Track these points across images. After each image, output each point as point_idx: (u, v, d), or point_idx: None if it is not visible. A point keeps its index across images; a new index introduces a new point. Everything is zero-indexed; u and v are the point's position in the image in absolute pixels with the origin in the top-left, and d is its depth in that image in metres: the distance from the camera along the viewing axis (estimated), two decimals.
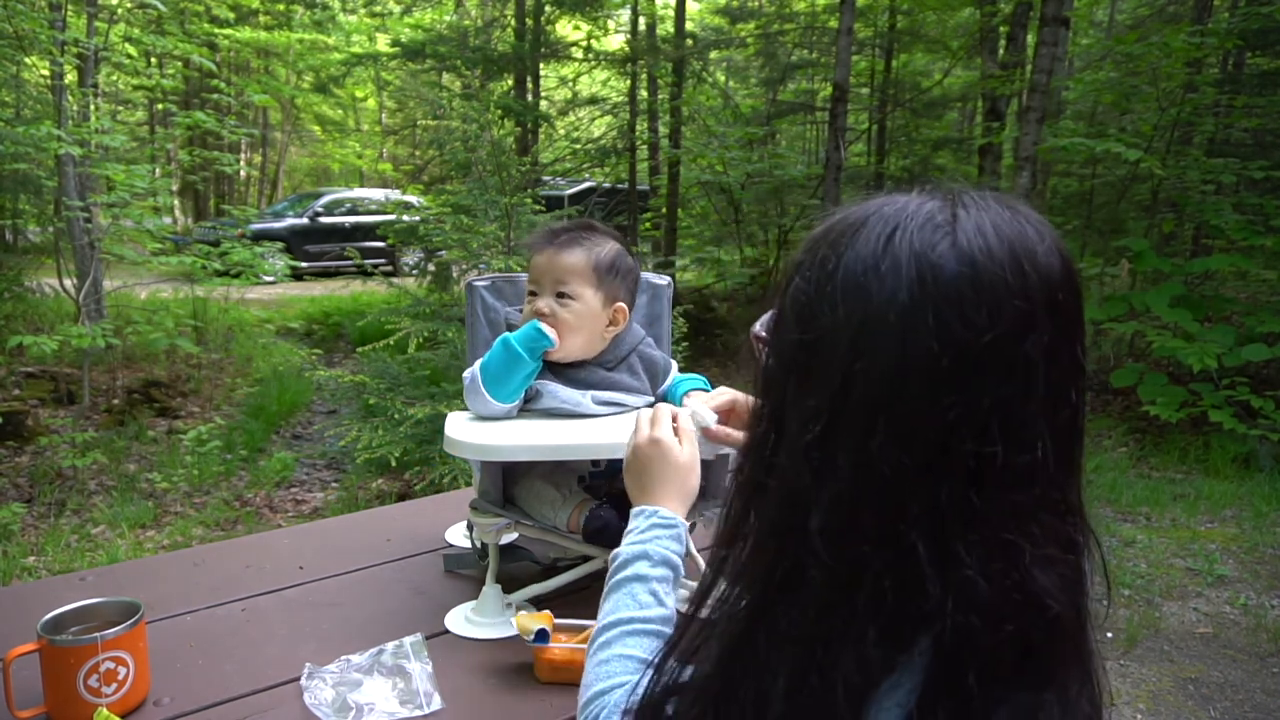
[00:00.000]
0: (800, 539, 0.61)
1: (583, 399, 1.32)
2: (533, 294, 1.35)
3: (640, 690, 0.73)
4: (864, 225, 0.62)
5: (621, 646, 0.82)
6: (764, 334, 0.76)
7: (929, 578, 0.57)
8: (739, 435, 1.07)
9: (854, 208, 0.65)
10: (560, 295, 1.32)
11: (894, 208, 0.62)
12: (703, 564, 1.22)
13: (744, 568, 0.67)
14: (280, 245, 10.83)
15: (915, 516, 0.58)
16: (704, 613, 0.71)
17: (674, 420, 1.02)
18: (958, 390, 0.57)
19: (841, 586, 0.59)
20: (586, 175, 11.53)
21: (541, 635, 1.09)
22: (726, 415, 1.14)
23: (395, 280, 5.06)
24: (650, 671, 0.73)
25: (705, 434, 1.09)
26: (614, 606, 0.86)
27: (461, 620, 1.27)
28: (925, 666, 0.59)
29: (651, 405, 1.41)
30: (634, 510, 0.95)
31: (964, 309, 0.57)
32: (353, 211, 12.88)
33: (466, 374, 1.32)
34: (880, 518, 0.59)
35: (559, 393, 1.32)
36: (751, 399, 0.78)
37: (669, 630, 0.83)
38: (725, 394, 1.17)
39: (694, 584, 0.78)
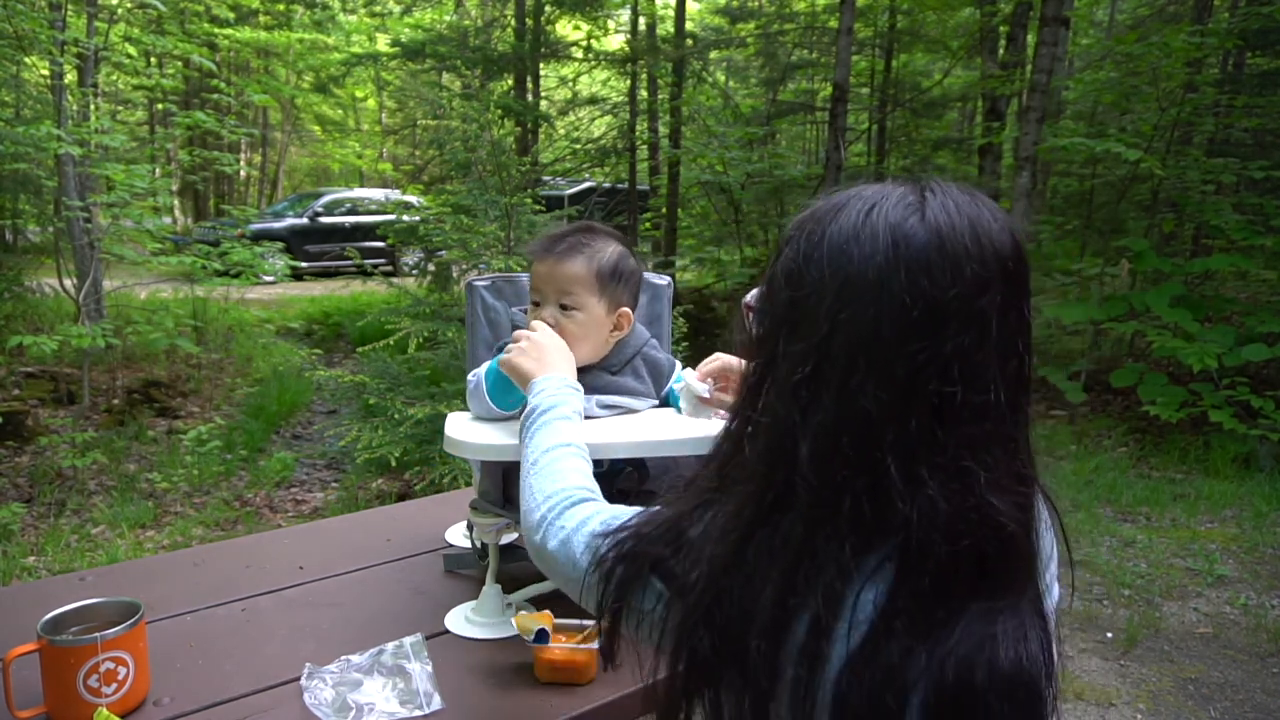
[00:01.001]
0: (790, 465, 0.71)
1: (588, 404, 1.32)
2: (536, 303, 1.34)
3: (614, 528, 0.83)
4: (846, 205, 0.73)
5: (570, 462, 0.97)
6: (754, 304, 0.87)
7: (899, 496, 0.67)
8: (730, 398, 1.15)
9: (836, 194, 0.76)
10: (564, 306, 1.31)
11: (871, 190, 0.74)
12: None
13: (738, 493, 0.76)
14: (280, 245, 10.83)
15: (889, 443, 0.68)
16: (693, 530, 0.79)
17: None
18: (926, 337, 0.67)
19: (826, 505, 0.69)
20: (586, 175, 11.52)
21: (541, 635, 1.09)
22: (722, 380, 1.25)
23: (395, 280, 5.06)
24: (643, 527, 0.82)
25: (700, 402, 1.23)
26: (551, 434, 1.02)
27: (461, 620, 1.27)
28: (893, 573, 0.68)
29: (657, 407, 1.41)
30: (539, 377, 1.12)
31: (931, 270, 0.68)
32: (353, 211, 12.87)
33: (471, 377, 1.32)
34: (859, 445, 0.68)
35: None
36: (741, 361, 0.92)
37: (587, 452, 1.01)
38: (718, 359, 1.27)
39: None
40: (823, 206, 0.75)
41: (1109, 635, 3.12)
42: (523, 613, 1.15)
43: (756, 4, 11.72)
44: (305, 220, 12.61)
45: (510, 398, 1.29)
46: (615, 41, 11.39)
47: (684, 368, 1.47)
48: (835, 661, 0.67)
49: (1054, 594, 0.82)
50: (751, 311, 0.86)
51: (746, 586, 0.71)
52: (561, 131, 10.94)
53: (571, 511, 0.90)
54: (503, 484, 1.34)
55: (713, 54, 12.09)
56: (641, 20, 10.33)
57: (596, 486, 0.97)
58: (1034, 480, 0.73)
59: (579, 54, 10.44)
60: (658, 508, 0.83)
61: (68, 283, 6.19)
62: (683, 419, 1.33)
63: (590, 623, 1.14)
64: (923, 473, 0.67)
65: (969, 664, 0.66)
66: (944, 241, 0.68)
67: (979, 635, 0.66)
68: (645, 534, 0.81)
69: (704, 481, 0.81)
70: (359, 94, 18.28)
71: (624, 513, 0.86)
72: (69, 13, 6.62)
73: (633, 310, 1.39)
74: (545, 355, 1.17)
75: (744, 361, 0.81)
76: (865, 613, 0.68)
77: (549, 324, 1.32)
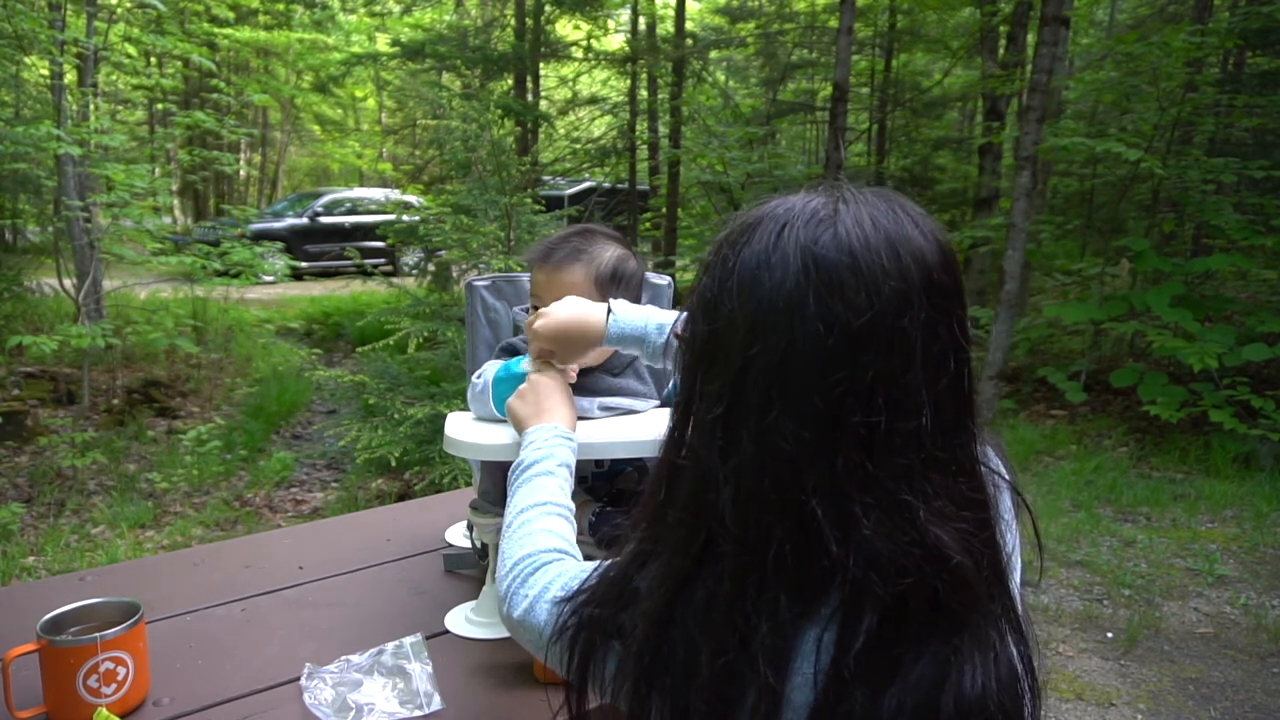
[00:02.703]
0: (710, 513, 0.66)
1: (589, 406, 1.32)
2: (535, 308, 1.34)
3: (574, 592, 0.79)
4: (759, 225, 0.68)
5: (543, 522, 0.92)
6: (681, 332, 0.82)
7: (828, 539, 0.63)
8: None
9: (753, 209, 0.71)
10: None
11: (784, 207, 0.69)
12: None
13: (668, 543, 0.72)
14: (280, 245, 10.83)
15: (814, 485, 0.63)
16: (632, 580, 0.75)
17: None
18: (844, 366, 0.62)
19: (751, 554, 0.65)
20: (586, 175, 11.52)
21: None
22: None
23: (395, 280, 5.06)
24: (588, 590, 0.78)
25: None
26: (529, 493, 0.97)
27: (461, 620, 1.27)
28: (839, 621, 0.64)
29: (658, 408, 1.41)
30: (532, 426, 1.08)
31: (845, 292, 0.63)
32: (353, 211, 12.87)
33: (477, 379, 1.32)
34: (781, 488, 0.64)
35: None
36: None
37: (572, 519, 0.96)
38: None
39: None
40: (737, 225, 0.70)
41: (1109, 635, 3.12)
42: None
43: (756, 4, 11.72)
44: (305, 220, 12.61)
45: None
46: (615, 41, 11.39)
47: None
48: (795, 717, 0.63)
49: (1016, 575, 0.77)
50: (679, 339, 0.79)
51: (684, 644, 0.67)
52: (561, 131, 10.94)
53: (535, 577, 0.85)
54: (503, 484, 1.34)
55: (713, 54, 12.09)
56: (641, 20, 10.33)
57: (569, 542, 0.91)
58: (981, 503, 0.68)
59: (579, 54, 10.44)
60: (610, 562, 0.78)
61: (68, 283, 6.19)
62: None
63: None
64: (856, 511, 0.63)
65: (933, 701, 0.62)
66: (857, 260, 0.63)
67: (940, 671, 0.63)
68: (599, 595, 0.76)
69: (639, 530, 0.76)
70: (359, 94, 18.28)
71: (586, 570, 0.81)
72: (69, 13, 6.62)
73: None
74: (542, 400, 1.12)
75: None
76: (824, 663, 0.64)
77: None
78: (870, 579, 0.62)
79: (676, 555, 0.70)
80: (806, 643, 0.64)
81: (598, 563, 0.80)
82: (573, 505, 0.98)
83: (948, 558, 0.63)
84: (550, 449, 1.04)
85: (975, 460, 0.69)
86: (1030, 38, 7.53)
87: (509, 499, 0.99)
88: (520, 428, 1.10)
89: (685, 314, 0.74)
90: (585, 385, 1.34)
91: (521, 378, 1.27)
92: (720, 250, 0.70)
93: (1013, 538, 0.76)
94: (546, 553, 0.88)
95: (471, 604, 1.29)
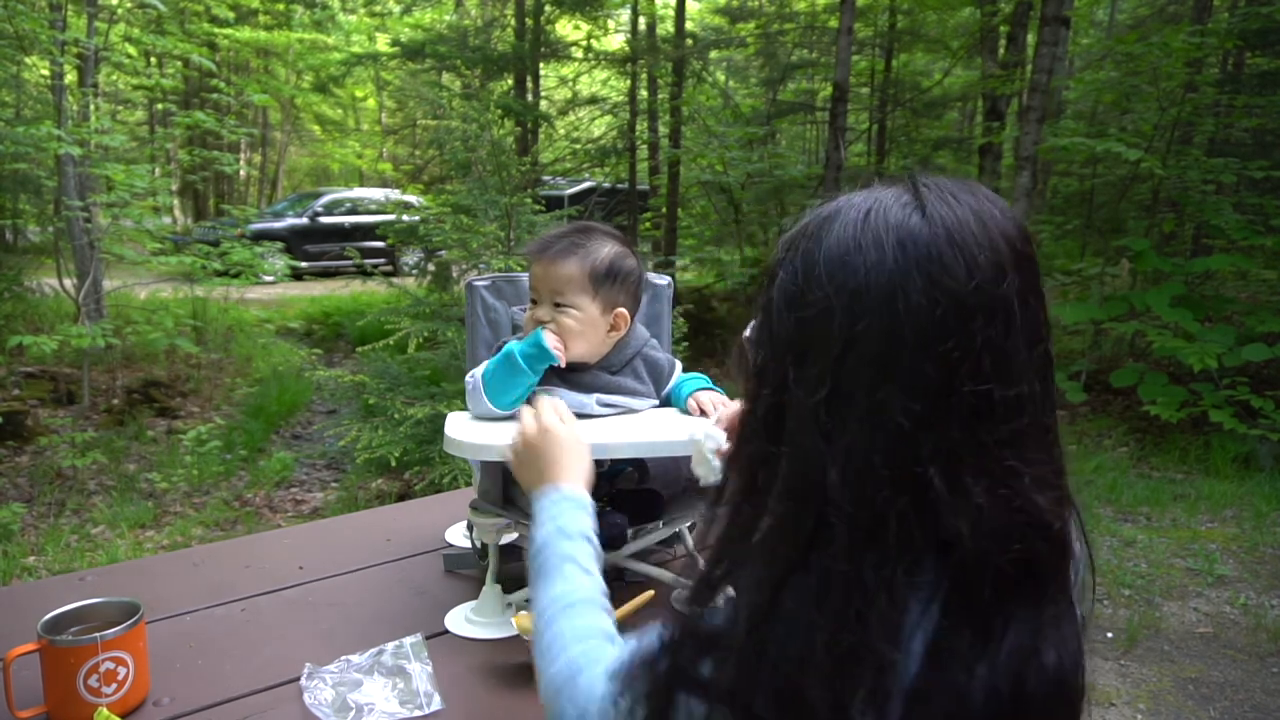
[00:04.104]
0: (821, 497, 0.66)
1: (588, 402, 1.32)
2: (533, 302, 1.35)
3: (635, 655, 0.75)
4: (836, 216, 0.70)
5: (565, 621, 0.85)
6: (751, 336, 0.81)
7: (946, 508, 0.63)
8: None
9: (819, 207, 0.73)
10: (558, 305, 1.31)
11: (860, 197, 0.70)
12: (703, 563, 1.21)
13: (762, 539, 0.71)
14: (280, 245, 10.83)
15: (929, 454, 0.64)
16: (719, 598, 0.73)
17: (555, 407, 1.09)
18: (953, 335, 0.64)
19: (866, 531, 0.65)
20: (586, 175, 11.52)
21: None
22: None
23: (395, 280, 5.06)
24: (659, 640, 0.75)
25: (718, 455, 1.07)
26: (545, 589, 0.89)
27: (461, 620, 1.27)
28: (943, 593, 0.65)
29: (657, 407, 1.41)
30: (537, 493, 0.98)
31: (946, 265, 0.65)
32: (353, 211, 12.87)
33: (469, 379, 1.32)
34: (894, 462, 0.64)
35: (564, 397, 1.31)
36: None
37: (603, 598, 0.88)
38: (739, 405, 1.14)
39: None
40: (811, 221, 0.72)
41: (1109, 635, 3.12)
42: (523, 613, 1.15)
43: (756, 4, 11.72)
44: (305, 220, 12.61)
45: (508, 398, 1.29)
46: (615, 41, 11.39)
47: (687, 375, 1.46)
48: (898, 697, 0.64)
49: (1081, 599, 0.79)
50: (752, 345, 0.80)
51: (791, 636, 0.66)
52: (561, 131, 10.93)
53: (579, 680, 0.79)
54: (503, 484, 1.34)
55: (713, 54, 12.08)
56: (641, 20, 10.32)
57: (607, 628, 0.85)
58: (1064, 471, 0.70)
59: (579, 54, 10.44)
60: (656, 631, 0.75)
61: (68, 283, 6.19)
62: (683, 419, 1.33)
63: None
64: (967, 480, 0.64)
65: (1021, 672, 0.64)
66: (952, 234, 0.66)
67: (1028, 640, 0.65)
68: (663, 651, 0.73)
69: (728, 539, 0.74)
70: (359, 94, 18.28)
71: (625, 650, 0.77)
72: (69, 13, 6.62)
73: (634, 311, 1.39)
74: (543, 458, 1.02)
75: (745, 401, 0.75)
76: (929, 634, 0.64)
77: (545, 320, 1.32)
78: (986, 547, 0.64)
79: (783, 545, 0.69)
80: (913, 615, 0.65)
81: (638, 635, 0.76)
82: (602, 584, 0.90)
83: (1049, 524, 0.65)
84: (561, 521, 0.94)
85: (1058, 431, 0.71)
86: (1030, 38, 7.52)
87: (532, 588, 0.91)
88: (528, 493, 1.01)
89: (759, 316, 0.74)
90: (583, 382, 1.35)
91: (510, 364, 1.28)
92: (796, 244, 0.71)
93: (1080, 548, 0.77)
94: (585, 660, 0.81)
95: (471, 604, 1.29)
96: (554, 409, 1.08)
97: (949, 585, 0.65)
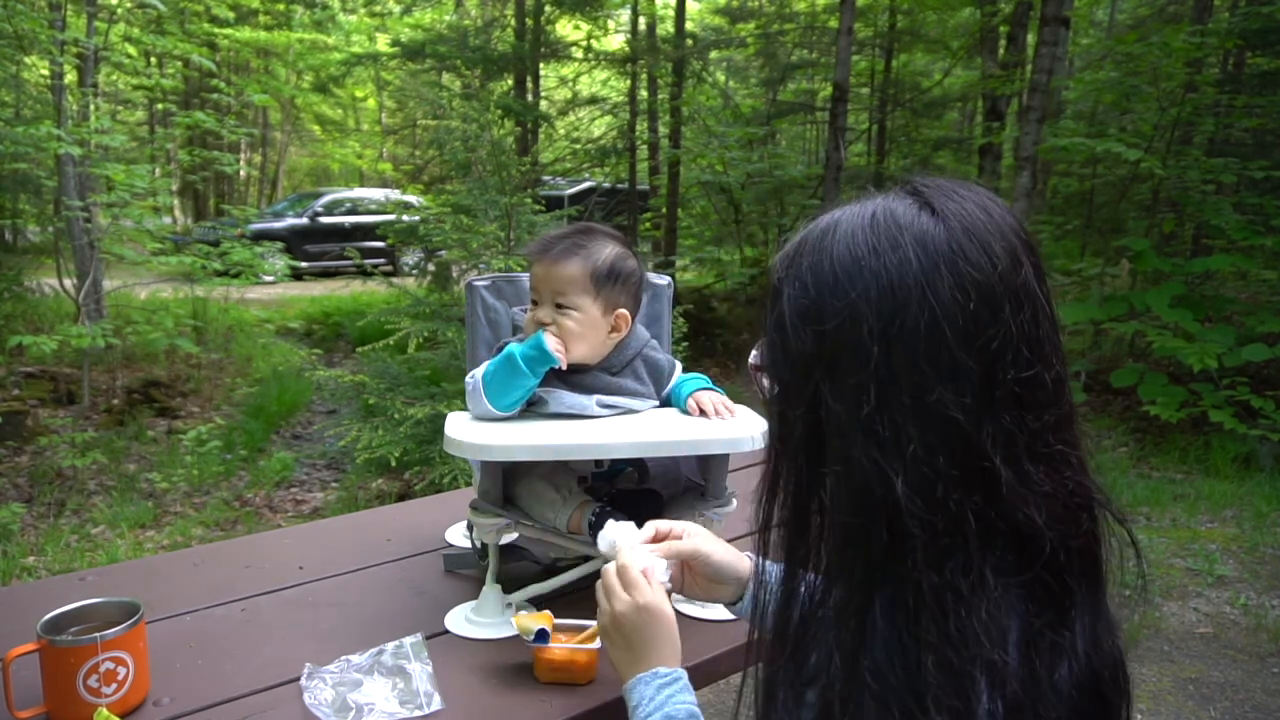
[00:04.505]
0: (889, 508, 0.64)
1: (588, 403, 1.32)
2: (534, 303, 1.34)
3: None
4: (837, 226, 0.69)
5: None
6: (761, 361, 0.78)
7: (1020, 500, 0.63)
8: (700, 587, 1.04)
9: (813, 222, 0.72)
10: (559, 306, 1.31)
11: (858, 205, 0.70)
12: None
13: (832, 562, 0.69)
14: (280, 245, 10.84)
15: (991, 446, 0.63)
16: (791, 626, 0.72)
17: (644, 574, 0.96)
18: (990, 325, 0.63)
19: (947, 537, 0.63)
20: (586, 175, 11.52)
21: (541, 635, 1.09)
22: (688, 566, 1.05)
23: (395, 280, 5.06)
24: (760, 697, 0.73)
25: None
26: None
27: (461, 620, 1.27)
28: (1024, 587, 0.64)
29: (657, 408, 1.41)
30: (633, 679, 0.90)
31: (969, 257, 0.64)
32: (353, 211, 12.87)
33: (469, 379, 1.32)
34: (959, 460, 0.63)
35: (564, 398, 1.31)
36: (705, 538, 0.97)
37: None
38: (688, 545, 1.03)
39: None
40: (809, 236, 0.70)
41: None
42: (523, 613, 1.15)
43: (756, 4, 11.71)
44: (305, 220, 12.62)
45: (508, 400, 1.29)
46: (615, 41, 11.39)
47: (681, 369, 1.46)
48: (1014, 704, 0.62)
49: None
50: (760, 371, 0.77)
51: (893, 661, 0.63)
52: (561, 131, 10.93)
53: None
54: (503, 484, 1.34)
55: (713, 54, 12.08)
56: (641, 20, 10.32)
57: None
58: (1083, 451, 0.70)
59: (579, 54, 10.44)
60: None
61: (68, 283, 6.19)
62: (683, 419, 1.33)
63: (590, 623, 1.13)
64: (1029, 468, 0.63)
65: (1090, 655, 0.64)
66: (967, 228, 0.65)
67: (1092, 624, 0.65)
68: (774, 656, 0.72)
69: (792, 573, 0.72)
70: (359, 94, 18.28)
71: None
72: (69, 13, 6.62)
73: (635, 312, 1.39)
74: (632, 638, 0.93)
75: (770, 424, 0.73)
76: (1020, 628, 0.63)
77: (545, 322, 1.31)
78: (1061, 532, 0.63)
79: (858, 565, 0.67)
80: (1007, 613, 0.64)
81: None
82: None
83: (1101, 502, 0.67)
84: (669, 709, 0.87)
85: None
86: (1030, 38, 7.52)
87: None
88: (623, 677, 0.93)
89: (769, 339, 0.72)
90: (584, 383, 1.34)
91: (511, 366, 1.27)
92: (800, 260, 0.70)
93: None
94: None
95: (471, 604, 1.29)
96: (643, 573, 0.96)
97: (1031, 580, 0.64)
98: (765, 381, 0.74)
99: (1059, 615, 0.64)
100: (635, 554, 0.99)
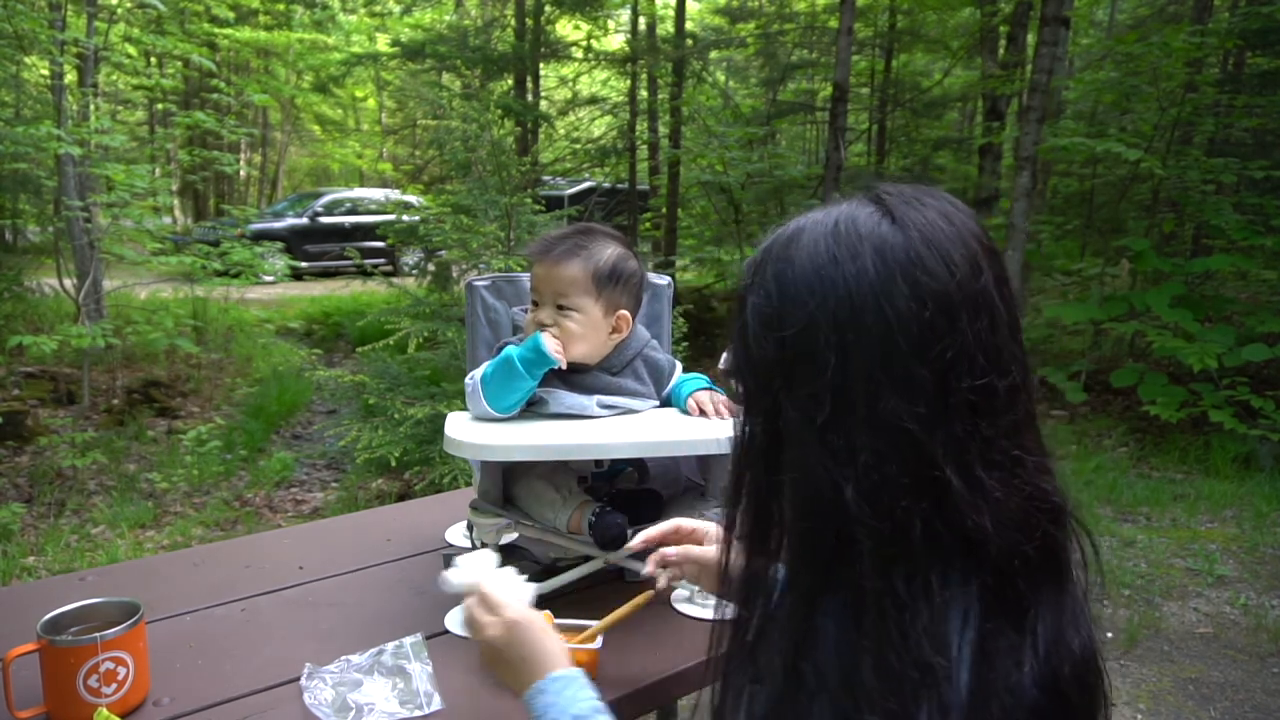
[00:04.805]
0: (832, 517, 0.65)
1: (588, 404, 1.32)
2: (535, 303, 1.34)
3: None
4: (801, 233, 0.69)
5: None
6: (728, 367, 0.79)
7: (969, 507, 0.63)
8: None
9: (780, 228, 0.72)
10: (561, 308, 1.31)
11: (822, 213, 0.70)
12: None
13: (786, 567, 0.71)
14: (280, 245, 10.83)
15: (942, 455, 0.64)
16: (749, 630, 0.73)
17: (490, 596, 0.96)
18: (945, 334, 0.64)
19: (892, 543, 0.64)
20: (586, 175, 11.52)
21: None
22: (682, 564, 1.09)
23: (395, 280, 5.06)
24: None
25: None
26: None
27: (462, 620, 1.27)
28: (977, 591, 0.64)
29: (657, 408, 1.41)
30: (530, 691, 0.88)
31: (927, 266, 0.65)
32: (353, 211, 12.87)
33: (469, 380, 1.32)
34: (910, 468, 0.64)
35: (565, 399, 1.31)
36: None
37: None
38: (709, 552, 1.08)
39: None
40: (775, 243, 0.71)
41: (1109, 635, 3.12)
42: None
43: (756, 4, 11.72)
44: (305, 220, 12.62)
45: (507, 402, 1.29)
46: (615, 41, 11.39)
47: (682, 369, 1.46)
48: (956, 708, 0.63)
49: None
50: (729, 377, 0.79)
51: (833, 662, 0.65)
52: (561, 131, 10.93)
53: None
54: (503, 484, 1.34)
55: (713, 54, 12.08)
56: (641, 20, 10.33)
57: None
58: (1048, 453, 0.71)
59: (579, 54, 10.44)
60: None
61: (68, 283, 6.19)
62: (683, 419, 1.33)
63: (591, 622, 1.14)
64: (980, 474, 0.64)
65: (1056, 659, 0.64)
66: (926, 236, 0.66)
67: (1057, 627, 0.65)
68: (726, 656, 0.73)
69: (745, 576, 0.73)
70: (359, 94, 18.28)
71: None
72: (69, 13, 6.62)
73: (634, 312, 1.39)
74: (520, 652, 0.91)
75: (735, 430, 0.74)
76: (972, 635, 0.63)
77: (546, 323, 1.31)
78: (1013, 538, 0.64)
79: (806, 568, 0.69)
80: (954, 620, 0.64)
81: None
82: None
83: (1060, 507, 0.66)
84: (575, 709, 0.86)
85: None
86: (1030, 38, 7.52)
87: None
88: (519, 694, 0.91)
89: (733, 345, 0.73)
90: (584, 383, 1.34)
91: (509, 369, 1.27)
92: (764, 268, 0.70)
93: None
94: None
95: None
96: (494, 586, 0.96)
97: (983, 585, 0.64)
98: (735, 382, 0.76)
99: (1016, 619, 0.64)
100: (491, 580, 0.98)
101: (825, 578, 0.67)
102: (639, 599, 1.12)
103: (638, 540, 1.13)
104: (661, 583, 1.09)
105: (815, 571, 0.68)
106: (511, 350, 1.29)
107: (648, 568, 1.09)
